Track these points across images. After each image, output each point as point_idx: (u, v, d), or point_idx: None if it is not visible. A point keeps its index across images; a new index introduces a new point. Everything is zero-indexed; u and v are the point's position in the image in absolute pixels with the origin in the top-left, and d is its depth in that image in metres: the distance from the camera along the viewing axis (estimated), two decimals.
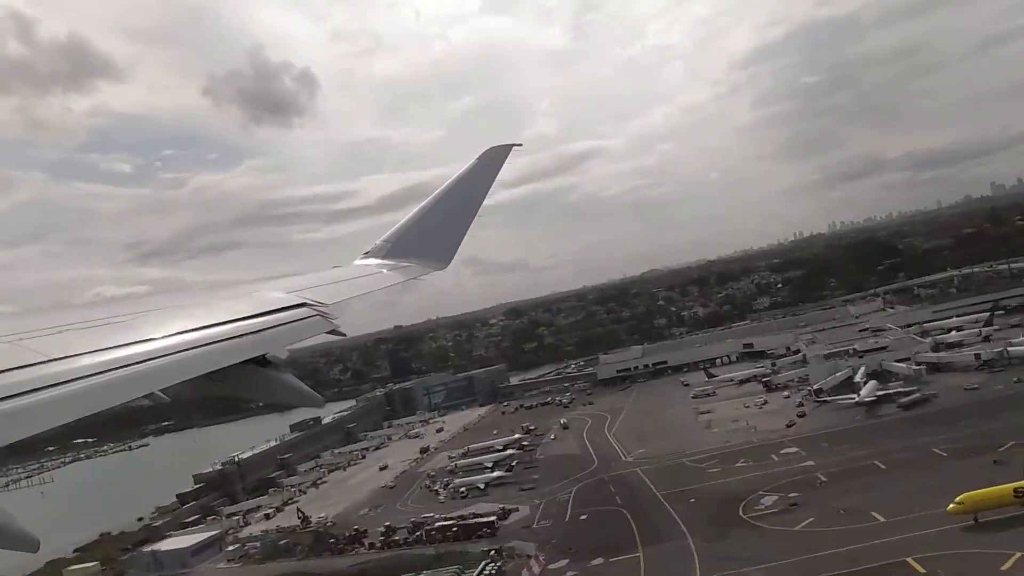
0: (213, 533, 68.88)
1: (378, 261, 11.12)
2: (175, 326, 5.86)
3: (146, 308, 6.70)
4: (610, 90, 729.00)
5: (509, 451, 77.89)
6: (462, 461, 78.84)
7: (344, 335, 7.55)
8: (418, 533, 58.81)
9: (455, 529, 57.25)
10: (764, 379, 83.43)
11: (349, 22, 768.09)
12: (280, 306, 7.22)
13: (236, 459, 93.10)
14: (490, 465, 74.66)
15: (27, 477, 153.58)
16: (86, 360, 4.69)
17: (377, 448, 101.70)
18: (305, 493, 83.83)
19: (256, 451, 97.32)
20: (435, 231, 12.09)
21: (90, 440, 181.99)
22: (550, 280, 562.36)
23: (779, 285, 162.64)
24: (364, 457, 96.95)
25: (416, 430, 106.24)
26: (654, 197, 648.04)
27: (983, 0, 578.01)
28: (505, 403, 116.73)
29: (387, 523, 62.28)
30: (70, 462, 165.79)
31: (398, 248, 11.46)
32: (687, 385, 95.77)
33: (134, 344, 5.20)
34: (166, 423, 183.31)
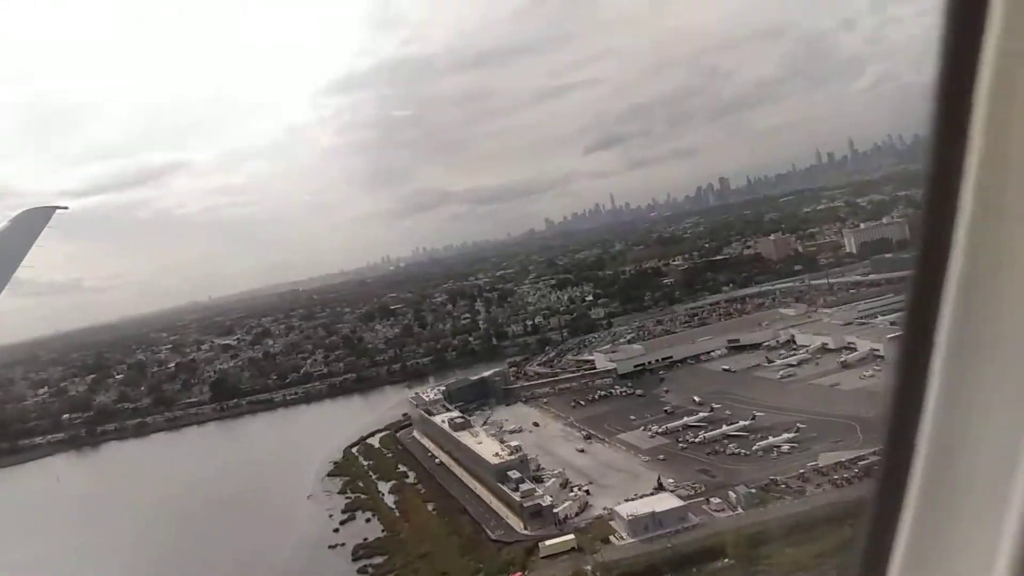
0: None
1: None
2: None
3: None
4: (194, 96, 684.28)
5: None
6: None
7: None
8: None
9: None
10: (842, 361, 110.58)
11: None
12: None
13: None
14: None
15: None
16: None
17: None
18: None
19: None
20: None
21: None
22: (110, 302, 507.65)
23: (593, 298, 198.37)
24: None
25: (507, 427, 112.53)
26: (238, 216, 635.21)
27: (542, 58, 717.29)
28: (534, 401, 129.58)
29: None
30: None
31: None
32: (733, 372, 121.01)
33: None
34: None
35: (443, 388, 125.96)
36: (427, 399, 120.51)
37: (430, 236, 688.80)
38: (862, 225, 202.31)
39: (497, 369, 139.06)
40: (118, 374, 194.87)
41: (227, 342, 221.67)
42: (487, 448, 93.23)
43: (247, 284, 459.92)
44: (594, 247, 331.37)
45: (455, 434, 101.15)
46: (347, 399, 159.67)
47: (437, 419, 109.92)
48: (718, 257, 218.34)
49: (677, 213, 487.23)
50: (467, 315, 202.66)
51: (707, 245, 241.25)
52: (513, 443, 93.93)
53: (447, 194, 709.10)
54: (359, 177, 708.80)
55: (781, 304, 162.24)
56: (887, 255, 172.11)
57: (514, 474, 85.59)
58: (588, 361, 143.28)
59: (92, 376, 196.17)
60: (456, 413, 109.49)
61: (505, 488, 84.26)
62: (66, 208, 13.17)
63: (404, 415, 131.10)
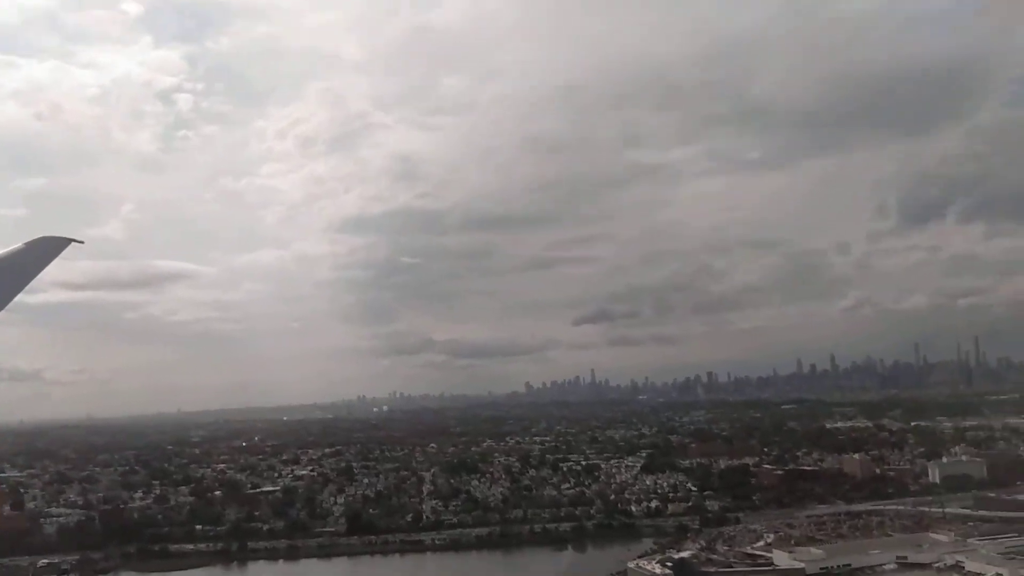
0: None
1: None
2: None
3: None
4: (207, 214, 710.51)
5: None
6: None
7: None
8: None
9: None
10: None
11: None
12: None
13: None
14: None
15: None
16: None
17: None
18: None
19: None
20: None
21: None
22: (62, 399, 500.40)
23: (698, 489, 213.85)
24: None
25: None
26: (224, 332, 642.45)
27: (540, 231, 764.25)
28: None
29: None
30: None
31: None
32: None
33: None
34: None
35: (668, 562, 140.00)
36: (652, 570, 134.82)
37: (406, 382, 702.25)
38: (944, 459, 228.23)
39: (694, 551, 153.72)
40: (216, 491, 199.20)
41: (305, 472, 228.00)
42: None
43: (213, 402, 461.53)
44: (618, 425, 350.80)
45: None
46: (490, 553, 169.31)
47: None
48: (807, 468, 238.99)
49: (669, 401, 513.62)
50: (567, 484, 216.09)
51: (765, 451, 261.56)
52: None
53: (429, 342, 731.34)
54: (349, 312, 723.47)
55: (900, 526, 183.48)
56: (986, 494, 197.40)
57: None
58: (755, 556, 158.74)
59: (188, 487, 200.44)
60: None
61: None
62: (81, 242, 13.91)
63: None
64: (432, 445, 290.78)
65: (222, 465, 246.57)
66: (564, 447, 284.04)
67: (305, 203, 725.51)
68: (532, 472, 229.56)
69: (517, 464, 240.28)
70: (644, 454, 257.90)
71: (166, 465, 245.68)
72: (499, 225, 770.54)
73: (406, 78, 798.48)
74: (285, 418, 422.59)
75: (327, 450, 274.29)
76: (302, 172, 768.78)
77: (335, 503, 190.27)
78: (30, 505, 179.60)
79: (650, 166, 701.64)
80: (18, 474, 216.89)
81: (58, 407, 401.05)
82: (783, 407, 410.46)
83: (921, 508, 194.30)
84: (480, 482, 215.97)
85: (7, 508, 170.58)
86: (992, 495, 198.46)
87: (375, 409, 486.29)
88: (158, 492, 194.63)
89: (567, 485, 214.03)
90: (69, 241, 14.03)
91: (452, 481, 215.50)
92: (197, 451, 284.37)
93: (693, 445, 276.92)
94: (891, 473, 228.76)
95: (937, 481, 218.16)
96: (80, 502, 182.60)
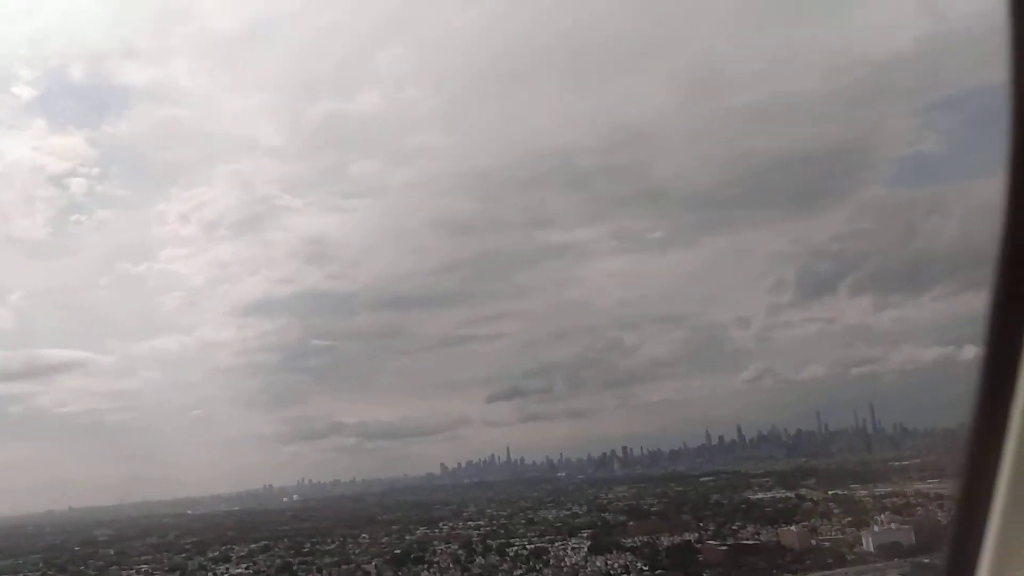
0: None
1: None
2: None
3: None
4: (103, 300, 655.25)
5: None
6: None
7: None
8: None
9: None
10: None
11: None
12: None
13: None
14: None
15: None
16: None
17: None
18: None
19: None
20: None
21: None
22: None
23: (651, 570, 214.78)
24: None
25: None
26: (117, 423, 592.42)
27: (451, 309, 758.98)
28: None
29: None
30: None
31: None
32: None
33: None
34: None
35: None
36: None
37: (314, 468, 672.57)
38: (876, 528, 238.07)
39: None
40: None
41: (240, 571, 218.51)
42: None
43: (105, 497, 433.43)
44: (548, 506, 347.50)
45: None
46: None
47: None
48: (748, 542, 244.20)
49: (588, 477, 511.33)
50: (518, 570, 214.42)
51: (701, 525, 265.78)
52: None
53: (338, 425, 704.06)
54: (254, 398, 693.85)
55: None
56: (921, 560, 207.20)
57: None
58: None
59: None
60: None
61: None
62: None
63: None
64: (364, 535, 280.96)
65: (146, 566, 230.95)
66: (502, 531, 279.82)
67: (209, 287, 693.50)
68: (480, 559, 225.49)
69: (461, 552, 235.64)
70: (585, 534, 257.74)
71: (82, 568, 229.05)
72: (411, 304, 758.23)
73: (319, 162, 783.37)
74: (190, 512, 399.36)
75: (254, 546, 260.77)
76: (206, 256, 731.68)
77: None
78: None
79: (558, 245, 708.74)
80: None
81: None
82: (702, 479, 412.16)
83: None
84: (429, 573, 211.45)
85: None
86: (927, 560, 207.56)
87: (284, 499, 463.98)
88: None
89: (519, 572, 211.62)
90: None
91: (399, 574, 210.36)
92: (111, 551, 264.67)
93: (630, 523, 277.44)
94: (827, 544, 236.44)
95: (872, 550, 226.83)
96: None
